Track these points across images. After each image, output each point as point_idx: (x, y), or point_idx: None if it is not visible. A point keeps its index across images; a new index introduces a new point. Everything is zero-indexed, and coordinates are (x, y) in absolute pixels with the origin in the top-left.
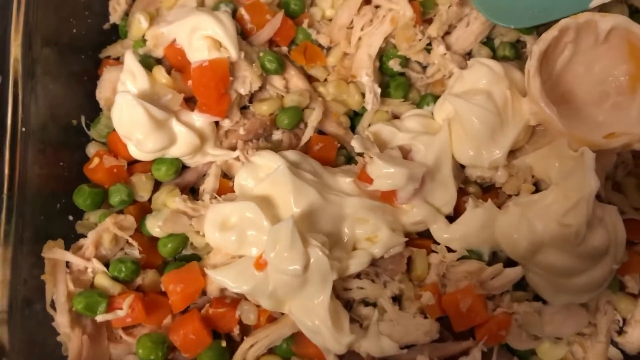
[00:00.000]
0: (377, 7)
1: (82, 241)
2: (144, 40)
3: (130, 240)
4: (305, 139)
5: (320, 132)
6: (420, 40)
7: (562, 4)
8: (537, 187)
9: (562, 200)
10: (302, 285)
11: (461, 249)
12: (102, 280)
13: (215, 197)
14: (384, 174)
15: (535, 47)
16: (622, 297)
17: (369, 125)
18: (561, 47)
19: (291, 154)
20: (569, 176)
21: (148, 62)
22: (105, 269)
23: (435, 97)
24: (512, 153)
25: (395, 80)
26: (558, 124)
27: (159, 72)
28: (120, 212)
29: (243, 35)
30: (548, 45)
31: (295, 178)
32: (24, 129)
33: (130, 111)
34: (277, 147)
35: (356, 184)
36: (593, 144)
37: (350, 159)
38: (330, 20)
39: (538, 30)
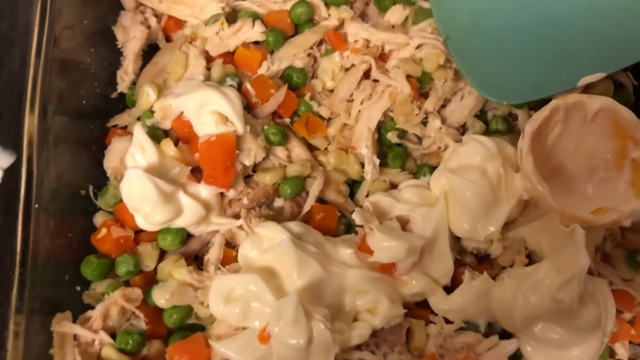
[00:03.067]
0: (375, 81)
1: (89, 313)
2: (151, 112)
3: (137, 312)
4: (307, 208)
5: (319, 199)
6: (417, 115)
7: (552, 82)
8: (530, 259)
9: (555, 274)
10: (305, 358)
11: (458, 320)
12: (109, 353)
13: (220, 268)
14: (384, 247)
15: (527, 127)
16: None
17: (367, 194)
18: (552, 125)
19: (294, 226)
20: (561, 251)
21: (156, 134)
22: (112, 341)
23: (432, 168)
24: (506, 225)
25: (393, 150)
26: (550, 200)
27: (168, 145)
28: (127, 281)
29: (248, 108)
30: (539, 124)
31: (299, 251)
32: (37, 205)
33: (139, 186)
34: (279, 215)
35: (357, 254)
36: (583, 220)
37: (349, 227)
38: (330, 91)
39: (529, 104)
